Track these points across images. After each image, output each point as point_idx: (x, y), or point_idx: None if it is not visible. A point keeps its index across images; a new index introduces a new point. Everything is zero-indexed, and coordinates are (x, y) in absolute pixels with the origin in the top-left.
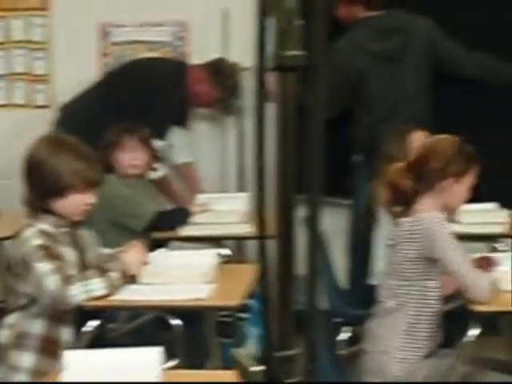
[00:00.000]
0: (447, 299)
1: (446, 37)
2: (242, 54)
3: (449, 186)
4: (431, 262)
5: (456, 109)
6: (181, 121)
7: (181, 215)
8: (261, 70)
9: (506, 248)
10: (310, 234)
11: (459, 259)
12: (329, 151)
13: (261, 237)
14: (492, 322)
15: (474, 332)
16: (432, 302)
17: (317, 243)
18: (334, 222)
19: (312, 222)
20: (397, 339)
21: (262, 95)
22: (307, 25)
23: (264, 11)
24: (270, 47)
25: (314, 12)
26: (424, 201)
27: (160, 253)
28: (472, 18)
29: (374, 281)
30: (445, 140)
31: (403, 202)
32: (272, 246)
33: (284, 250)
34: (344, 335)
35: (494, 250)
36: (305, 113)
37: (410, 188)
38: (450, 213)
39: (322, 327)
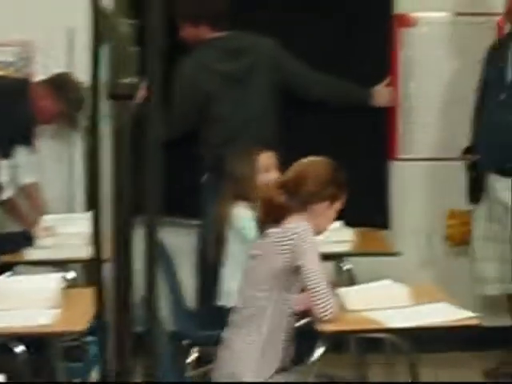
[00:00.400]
0: (300, 315)
1: (292, 58)
2: (88, 73)
3: (321, 209)
4: (294, 274)
5: (302, 128)
6: (26, 139)
7: (20, 239)
8: (96, 96)
9: (351, 266)
10: (148, 255)
11: (317, 273)
12: (177, 171)
13: (98, 260)
14: (339, 340)
15: (320, 350)
16: (288, 315)
17: (155, 263)
18: (184, 242)
19: (149, 243)
20: (251, 350)
21: (97, 121)
22: (142, 51)
23: (99, 38)
24: (106, 74)
25: (148, 39)
26: (294, 219)
27: (4, 277)
28: (316, 40)
29: (222, 301)
30: (321, 164)
31: (275, 219)
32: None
33: (120, 271)
34: (193, 356)
35: (343, 268)
36: (142, 137)
37: (282, 206)
38: (316, 234)
39: (169, 349)
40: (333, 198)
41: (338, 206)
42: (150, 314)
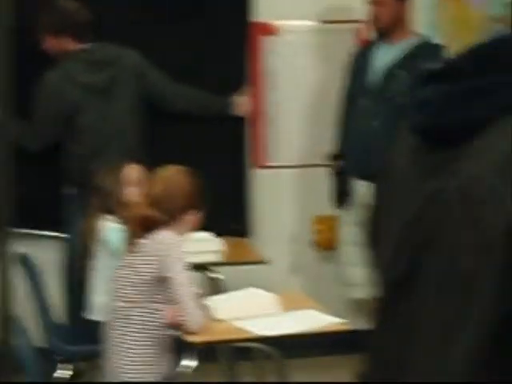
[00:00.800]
0: (170, 327)
1: (155, 69)
2: None
3: (189, 219)
4: (162, 285)
5: (165, 139)
6: None
7: None
8: None
9: (222, 276)
10: (1, 270)
11: (185, 284)
12: (41, 183)
13: None
14: (208, 349)
15: (190, 361)
16: (158, 326)
17: (8, 280)
18: (50, 256)
19: (1, 257)
20: (131, 363)
21: None
22: None
23: None
24: None
25: None
26: (164, 231)
27: None
28: (176, 50)
29: (91, 315)
30: (181, 175)
31: (147, 232)
32: None
33: None
34: (64, 372)
35: (212, 278)
36: None
37: (155, 220)
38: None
39: (38, 365)
40: (197, 207)
41: (201, 212)
42: (6, 330)
